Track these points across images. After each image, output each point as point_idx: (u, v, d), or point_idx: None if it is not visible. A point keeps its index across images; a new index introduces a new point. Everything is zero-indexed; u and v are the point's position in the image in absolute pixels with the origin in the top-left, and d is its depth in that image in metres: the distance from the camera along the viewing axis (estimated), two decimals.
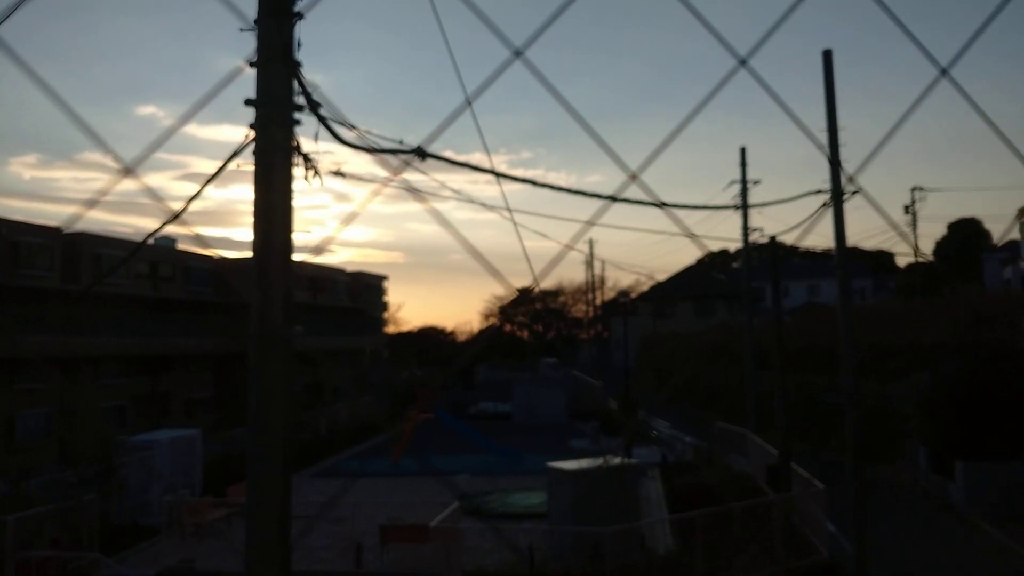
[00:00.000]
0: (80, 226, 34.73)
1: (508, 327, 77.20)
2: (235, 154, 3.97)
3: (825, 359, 27.22)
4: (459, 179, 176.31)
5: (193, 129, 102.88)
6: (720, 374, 37.30)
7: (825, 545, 15.20)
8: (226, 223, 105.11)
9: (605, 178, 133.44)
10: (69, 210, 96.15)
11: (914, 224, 44.33)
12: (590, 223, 4.09)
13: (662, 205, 4.61)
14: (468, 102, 4.26)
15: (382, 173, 4.15)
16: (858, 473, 13.07)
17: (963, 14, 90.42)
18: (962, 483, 19.26)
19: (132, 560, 16.05)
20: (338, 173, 4.47)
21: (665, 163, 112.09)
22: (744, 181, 27.57)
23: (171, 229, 4.27)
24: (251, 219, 3.89)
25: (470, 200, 6.37)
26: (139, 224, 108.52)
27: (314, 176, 4.12)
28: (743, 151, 27.78)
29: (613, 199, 4.56)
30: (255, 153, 3.89)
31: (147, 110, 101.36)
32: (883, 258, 64.90)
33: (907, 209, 44.63)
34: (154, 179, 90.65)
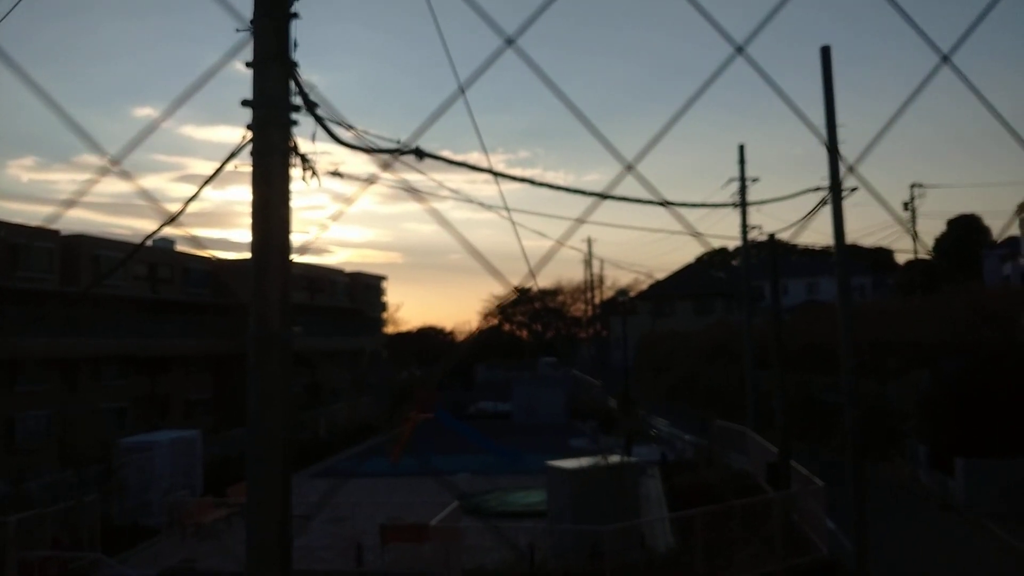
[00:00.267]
0: (77, 228, 34.71)
1: (507, 326, 77.22)
2: (233, 155, 3.97)
3: (824, 357, 27.24)
4: (457, 179, 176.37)
5: (190, 130, 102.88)
6: (719, 373, 37.31)
7: (825, 543, 15.21)
8: (224, 224, 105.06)
9: (603, 177, 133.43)
10: (68, 213, 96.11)
11: (913, 221, 44.36)
12: (580, 220, 4.10)
13: (665, 204, 4.61)
14: (461, 90, 4.26)
15: (381, 173, 4.15)
16: (858, 471, 13.08)
17: (964, 2, 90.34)
18: (962, 480, 19.27)
19: (133, 560, 16.06)
20: (336, 173, 4.47)
21: (663, 163, 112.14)
22: (743, 178, 27.57)
23: (169, 231, 4.27)
24: (249, 220, 3.89)
25: (468, 199, 6.38)
26: (137, 226, 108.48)
27: (312, 177, 4.12)
28: (742, 148, 27.79)
29: (602, 196, 4.56)
30: (252, 154, 3.89)
31: (143, 111, 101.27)
32: (882, 255, 64.96)
33: (906, 206, 44.67)
34: (151, 181, 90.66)
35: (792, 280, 58.43)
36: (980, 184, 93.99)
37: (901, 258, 64.49)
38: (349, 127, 4.23)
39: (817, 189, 15.44)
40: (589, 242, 68.40)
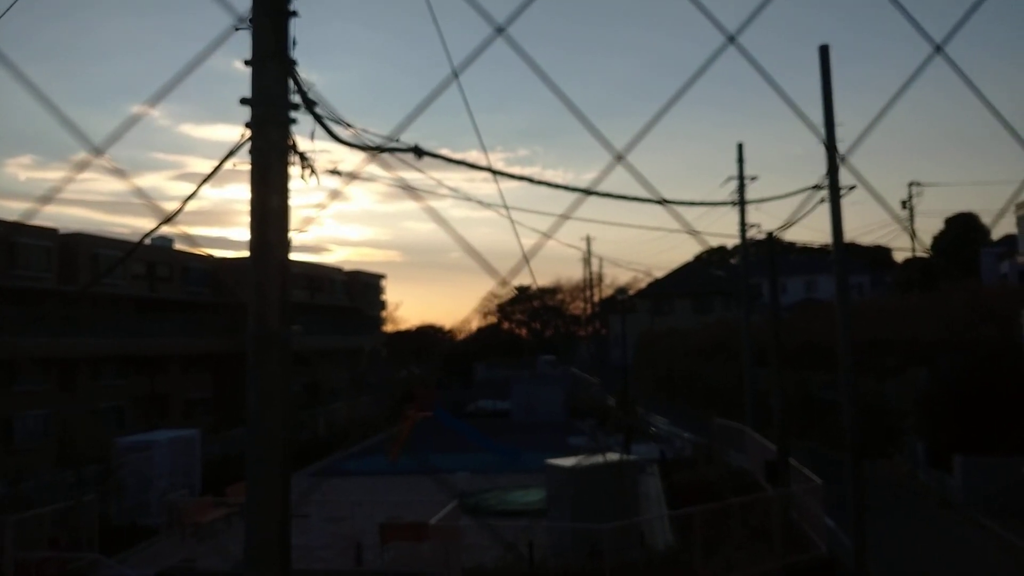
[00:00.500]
0: (76, 226, 34.65)
1: (506, 325, 77.17)
2: (231, 153, 3.96)
3: (823, 355, 27.25)
4: (456, 177, 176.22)
5: (189, 129, 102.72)
6: (718, 371, 37.33)
7: (823, 540, 15.23)
8: (223, 223, 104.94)
9: (601, 175, 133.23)
10: (65, 211, 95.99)
11: (912, 219, 44.36)
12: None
13: (662, 202, 4.61)
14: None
15: (379, 172, 4.15)
16: (856, 469, 13.09)
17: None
18: (960, 478, 19.31)
19: (132, 560, 16.04)
20: (335, 172, 4.46)
21: (662, 161, 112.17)
22: (741, 177, 27.56)
23: (168, 229, 4.26)
24: (247, 219, 3.88)
25: (467, 198, 6.37)
26: (136, 225, 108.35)
27: (311, 175, 4.11)
28: (740, 147, 27.78)
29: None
30: (251, 152, 3.88)
31: (141, 110, 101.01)
32: (880, 254, 65.03)
33: (904, 204, 44.67)
34: (149, 179, 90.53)
35: (790, 278, 58.47)
36: (978, 182, 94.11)
37: (899, 256, 64.59)
38: (348, 125, 4.22)
39: (815, 188, 15.44)
40: (588, 240, 68.47)
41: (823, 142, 14.27)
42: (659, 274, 65.19)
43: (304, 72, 3.95)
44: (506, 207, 6.32)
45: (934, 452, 20.94)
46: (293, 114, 3.93)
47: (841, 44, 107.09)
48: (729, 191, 28.12)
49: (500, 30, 3.43)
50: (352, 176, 4.38)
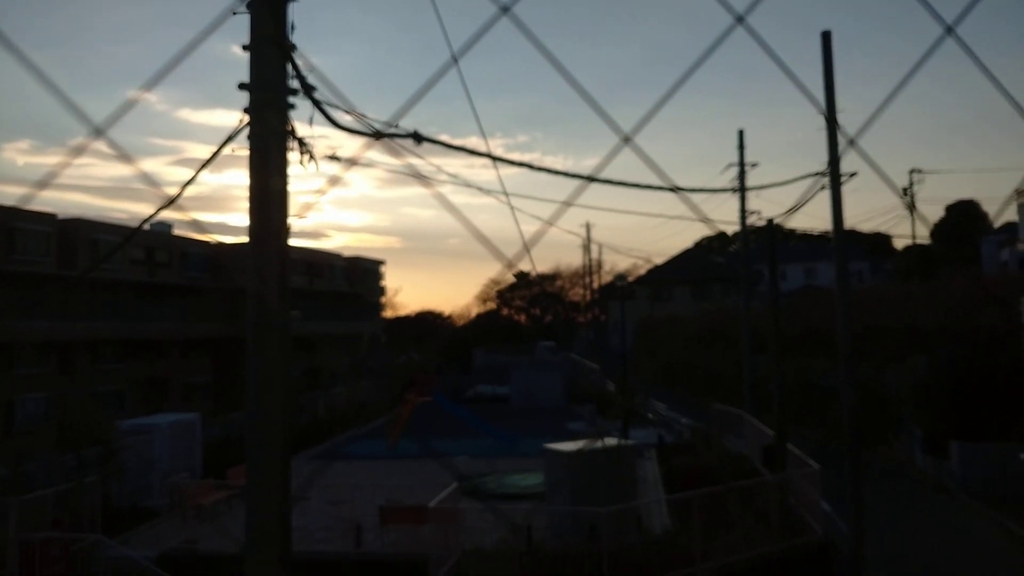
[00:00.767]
0: (75, 212, 34.62)
1: (506, 311, 77.17)
2: (230, 139, 3.96)
3: (822, 342, 27.32)
4: (455, 163, 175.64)
5: (187, 114, 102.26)
6: (718, 357, 37.42)
7: (820, 524, 15.34)
8: (222, 208, 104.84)
9: (607, 158, 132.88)
10: (64, 196, 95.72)
11: (912, 206, 44.28)
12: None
13: (675, 189, 4.61)
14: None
15: (379, 157, 4.15)
16: (855, 454, 13.16)
17: None
18: (957, 464, 19.42)
19: (134, 541, 16.17)
20: (333, 157, 4.46)
21: (663, 148, 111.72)
22: (742, 163, 27.50)
23: (167, 214, 4.27)
24: (247, 204, 3.89)
25: (467, 184, 6.36)
26: (135, 210, 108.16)
27: (309, 161, 4.11)
28: (741, 133, 27.71)
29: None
30: (250, 138, 3.88)
31: (138, 94, 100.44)
32: (880, 241, 64.93)
33: (906, 191, 44.57)
34: (148, 164, 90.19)
35: (790, 265, 58.44)
36: (979, 170, 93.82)
37: (899, 243, 64.52)
38: (347, 111, 4.22)
39: (817, 174, 15.42)
40: (588, 227, 68.39)
41: (824, 115, 14.21)
42: (659, 261, 65.19)
43: (302, 57, 3.94)
44: (506, 193, 6.32)
45: (931, 438, 21.04)
46: (292, 99, 3.92)
47: (842, 33, 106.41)
48: (729, 178, 28.09)
49: (505, 9, 3.41)
50: (351, 162, 4.38)
